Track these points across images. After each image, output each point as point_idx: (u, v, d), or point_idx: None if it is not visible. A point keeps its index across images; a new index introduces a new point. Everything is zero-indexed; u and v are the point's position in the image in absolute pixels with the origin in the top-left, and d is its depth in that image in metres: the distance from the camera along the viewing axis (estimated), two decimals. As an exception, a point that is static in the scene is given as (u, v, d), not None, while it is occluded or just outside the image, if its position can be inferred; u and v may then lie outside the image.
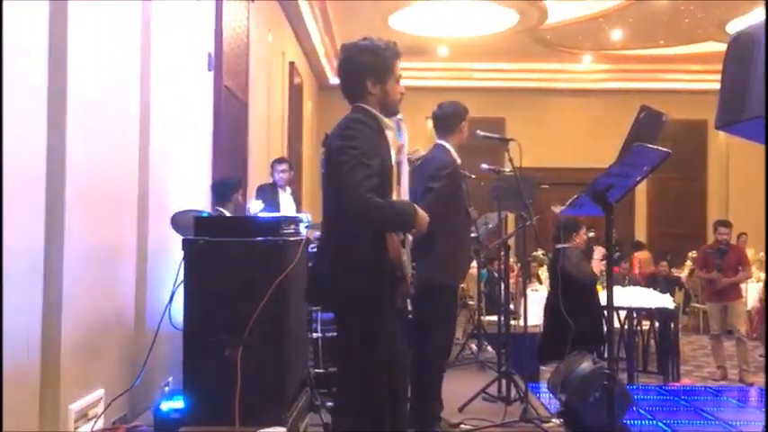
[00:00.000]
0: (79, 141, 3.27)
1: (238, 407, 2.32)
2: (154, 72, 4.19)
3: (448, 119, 3.68)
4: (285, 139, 9.17)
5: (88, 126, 3.40)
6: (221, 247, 2.46)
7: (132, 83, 4.04)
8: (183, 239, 2.50)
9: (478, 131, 3.95)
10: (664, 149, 2.46)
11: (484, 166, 4.35)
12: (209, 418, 2.42)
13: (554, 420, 3.97)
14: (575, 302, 5.00)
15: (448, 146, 3.66)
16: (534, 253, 10.30)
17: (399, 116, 2.77)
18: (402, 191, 2.56)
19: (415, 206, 2.46)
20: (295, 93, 9.78)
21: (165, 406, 3.00)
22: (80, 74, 3.28)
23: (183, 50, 4.88)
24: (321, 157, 2.50)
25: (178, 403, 2.81)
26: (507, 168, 3.97)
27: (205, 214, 3.86)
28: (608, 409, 2.54)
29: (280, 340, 2.45)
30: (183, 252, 2.49)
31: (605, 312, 5.88)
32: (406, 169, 2.62)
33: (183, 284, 2.49)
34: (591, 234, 5.57)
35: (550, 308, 5.35)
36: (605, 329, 6.05)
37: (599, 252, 5.13)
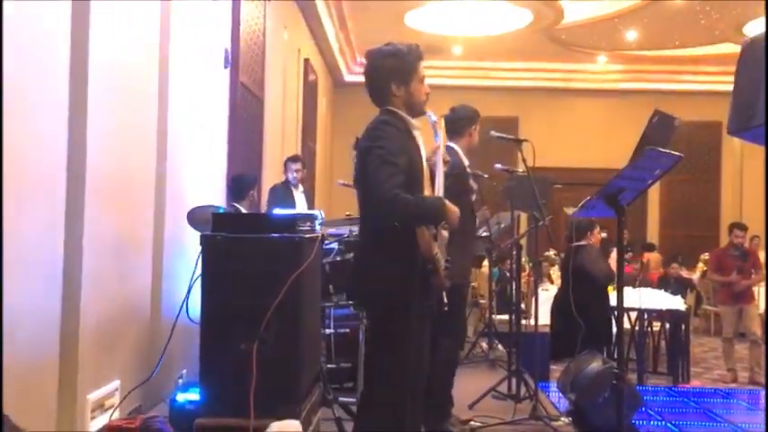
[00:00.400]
0: (99, 137, 3.34)
1: (253, 400, 2.37)
2: (172, 69, 4.26)
3: (458, 122, 3.73)
4: (299, 136, 9.23)
5: (107, 122, 3.46)
6: (239, 243, 2.51)
7: (151, 80, 4.10)
8: (202, 235, 2.56)
9: (492, 132, 3.98)
10: (676, 153, 2.49)
11: (497, 166, 4.38)
12: (224, 410, 2.47)
13: (563, 419, 4.00)
14: (586, 300, 5.03)
15: (456, 148, 3.72)
16: (546, 253, 10.32)
17: (435, 118, 2.88)
18: (437, 189, 2.64)
19: (445, 201, 2.53)
20: (310, 90, 9.83)
21: (181, 397, 3.06)
22: (100, 71, 3.34)
23: (201, 47, 4.95)
24: (354, 161, 2.59)
25: (193, 395, 2.87)
26: (520, 168, 3.98)
27: (221, 210, 3.92)
28: (617, 409, 2.56)
29: (294, 335, 2.50)
30: (200, 247, 2.54)
31: (615, 312, 5.93)
32: (441, 169, 2.70)
33: (200, 279, 2.54)
34: (604, 234, 5.60)
35: (560, 306, 5.37)
36: (614, 329, 6.09)
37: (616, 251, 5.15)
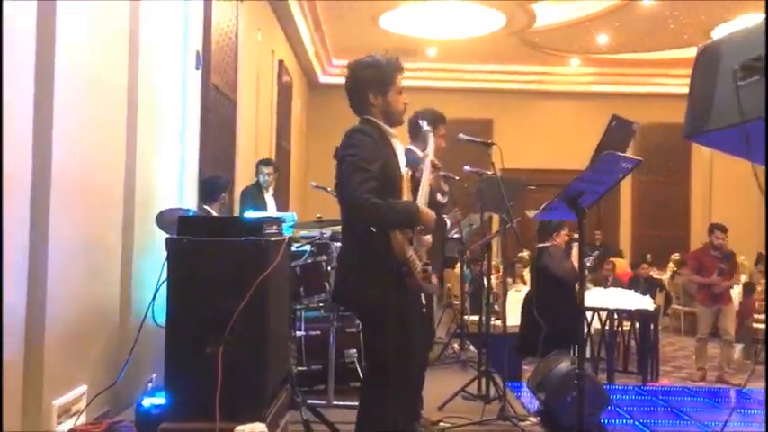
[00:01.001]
0: (65, 138, 3.31)
1: (218, 403, 2.37)
2: (141, 69, 4.23)
3: (411, 125, 3.74)
4: (273, 138, 9.21)
5: (74, 123, 3.43)
6: (204, 247, 2.51)
7: (120, 80, 4.07)
8: (167, 238, 2.56)
9: (460, 135, 4.01)
10: (635, 157, 2.54)
11: (467, 168, 4.42)
12: (190, 414, 2.47)
13: (531, 419, 4.04)
14: (553, 300, 5.09)
15: (416, 150, 3.69)
16: (520, 254, 10.40)
17: (427, 128, 2.96)
18: (420, 195, 2.71)
19: (419, 205, 2.62)
20: (284, 91, 9.81)
21: (147, 402, 3.05)
22: (66, 71, 3.32)
23: (171, 49, 4.93)
24: (336, 171, 2.67)
25: (160, 399, 2.86)
26: (490, 171, 4.02)
27: (191, 213, 3.91)
28: (578, 408, 2.60)
29: (260, 338, 2.51)
30: (166, 251, 2.53)
31: (582, 312, 6.00)
32: (426, 176, 2.79)
33: (166, 282, 2.54)
34: (575, 236, 5.65)
35: (528, 307, 5.43)
36: (581, 328, 6.16)
37: (577, 249, 5.21)
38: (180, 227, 2.55)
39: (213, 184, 4.69)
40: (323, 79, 12.61)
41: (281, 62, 9.42)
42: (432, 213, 2.65)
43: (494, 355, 5.03)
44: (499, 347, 5.55)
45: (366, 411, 2.54)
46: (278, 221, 2.93)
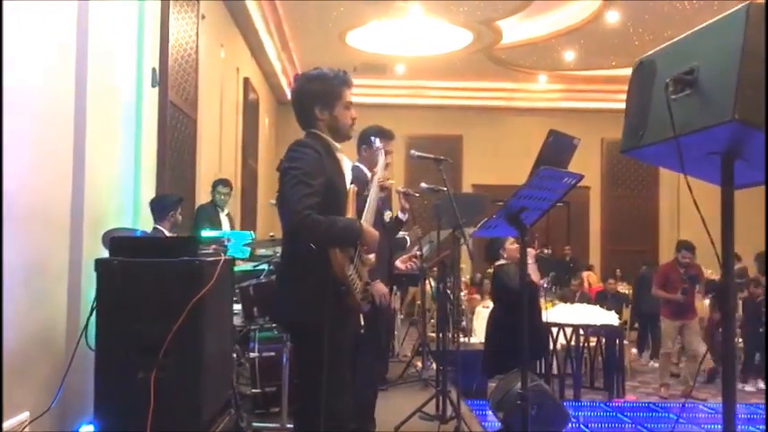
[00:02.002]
0: (4, 154, 3.21)
1: (151, 430, 2.28)
2: (90, 86, 4.15)
3: (360, 141, 3.69)
4: (239, 156, 9.12)
5: (16, 138, 3.34)
6: (135, 268, 2.43)
7: (66, 98, 3.99)
8: (96, 260, 2.47)
9: (412, 151, 3.99)
10: (575, 173, 2.51)
11: (423, 185, 4.38)
12: (122, 442, 2.38)
13: (487, 438, 3.98)
14: (515, 317, 5.01)
15: (362, 167, 3.63)
16: (489, 270, 10.39)
17: (379, 145, 2.91)
18: (366, 213, 2.65)
19: (361, 223, 2.53)
20: (250, 109, 9.75)
21: (84, 430, 2.94)
22: (10, 92, 3.23)
23: (124, 65, 4.84)
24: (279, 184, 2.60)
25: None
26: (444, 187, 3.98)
27: (139, 233, 3.81)
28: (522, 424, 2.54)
29: (195, 362, 2.42)
30: (95, 272, 2.44)
31: (545, 327, 5.97)
32: (373, 196, 2.73)
33: (95, 305, 2.45)
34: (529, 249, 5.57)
35: (492, 323, 5.38)
36: (546, 342, 6.14)
37: (530, 257, 5.15)
38: (111, 247, 2.46)
39: (161, 202, 4.60)
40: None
41: (246, 79, 9.36)
42: (375, 233, 2.57)
43: (463, 372, 4.99)
44: (469, 365, 5.51)
45: None
46: (218, 241, 2.85)
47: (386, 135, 3.76)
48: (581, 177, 2.51)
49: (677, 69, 1.94)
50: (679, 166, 1.95)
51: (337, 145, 2.70)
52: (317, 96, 2.63)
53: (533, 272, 5.09)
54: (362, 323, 2.69)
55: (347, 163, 2.81)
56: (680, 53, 1.99)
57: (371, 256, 2.65)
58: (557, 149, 2.65)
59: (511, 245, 5.15)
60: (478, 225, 2.67)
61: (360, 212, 2.64)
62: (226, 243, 2.91)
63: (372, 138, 3.23)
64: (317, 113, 2.63)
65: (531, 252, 5.28)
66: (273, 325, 4.17)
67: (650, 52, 2.18)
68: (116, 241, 2.49)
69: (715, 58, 1.82)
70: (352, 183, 2.73)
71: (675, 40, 2.05)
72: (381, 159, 3.01)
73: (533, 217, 2.55)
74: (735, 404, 1.93)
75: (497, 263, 5.02)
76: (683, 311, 6.98)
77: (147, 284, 2.43)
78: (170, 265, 2.42)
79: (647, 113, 2.05)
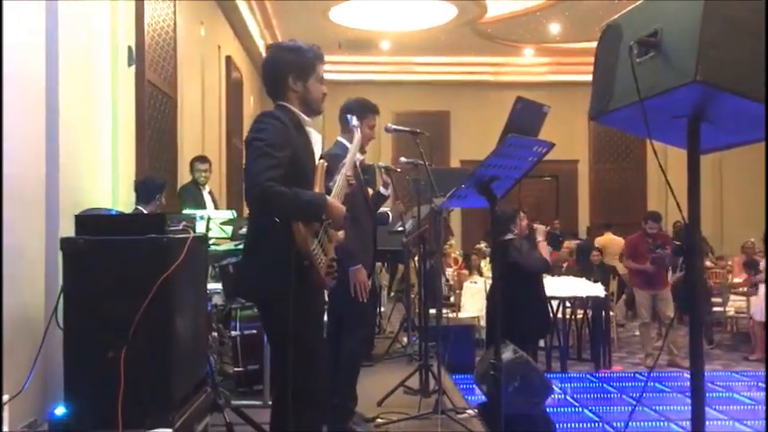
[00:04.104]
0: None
1: (121, 410, 2.26)
2: (63, 64, 4.08)
3: (341, 116, 3.62)
4: (223, 136, 9.04)
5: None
6: (101, 246, 2.39)
7: (36, 79, 3.92)
8: (62, 238, 2.43)
9: (388, 124, 3.95)
10: (545, 141, 2.48)
11: (402, 159, 4.35)
12: (93, 422, 2.36)
13: (469, 411, 3.99)
14: (522, 292, 4.99)
15: (345, 142, 3.58)
16: (477, 246, 10.39)
17: (355, 123, 2.86)
18: (335, 189, 2.59)
19: (326, 197, 2.48)
20: (234, 88, 9.64)
21: (60, 410, 2.92)
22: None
23: (97, 45, 4.77)
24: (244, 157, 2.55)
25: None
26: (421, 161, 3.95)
27: (113, 212, 3.77)
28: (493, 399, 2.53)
29: (165, 341, 2.40)
30: (60, 251, 2.41)
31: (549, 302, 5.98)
32: (344, 172, 2.69)
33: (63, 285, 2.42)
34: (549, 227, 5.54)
35: (494, 297, 5.36)
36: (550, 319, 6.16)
37: (541, 233, 5.13)
38: (77, 226, 2.43)
39: (148, 185, 4.56)
40: (277, 75, 12.43)
41: (228, 57, 9.25)
42: (341, 207, 2.53)
43: (452, 347, 5.00)
44: (457, 340, 5.51)
45: (273, 416, 2.43)
46: (188, 218, 2.81)
47: (370, 109, 3.72)
48: (552, 146, 2.47)
49: (642, 32, 1.91)
50: (644, 130, 1.93)
51: (307, 119, 2.64)
52: (291, 66, 2.59)
53: (544, 250, 5.07)
54: (326, 300, 2.62)
55: (316, 137, 2.75)
56: (644, 16, 1.96)
57: (340, 233, 2.61)
58: (526, 117, 2.61)
59: (522, 220, 5.13)
60: (447, 195, 2.64)
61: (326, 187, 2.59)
62: (196, 219, 2.87)
63: (348, 116, 3.17)
64: (290, 83, 2.58)
65: (541, 229, 5.25)
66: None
67: (616, 16, 2.15)
68: (81, 219, 2.45)
69: (677, 19, 1.79)
70: (321, 158, 2.68)
71: (640, 2, 2.01)
72: (357, 137, 2.97)
73: (505, 186, 2.52)
74: (702, 368, 1.93)
75: (505, 237, 4.95)
76: (653, 281, 7.02)
77: (113, 263, 2.39)
78: (136, 243, 2.39)
79: (614, 78, 2.02)
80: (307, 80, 2.60)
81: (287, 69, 2.59)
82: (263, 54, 11.32)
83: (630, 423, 4.72)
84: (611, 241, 10.06)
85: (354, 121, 3.03)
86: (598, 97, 2.12)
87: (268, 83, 2.66)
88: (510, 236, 5.07)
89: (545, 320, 5.60)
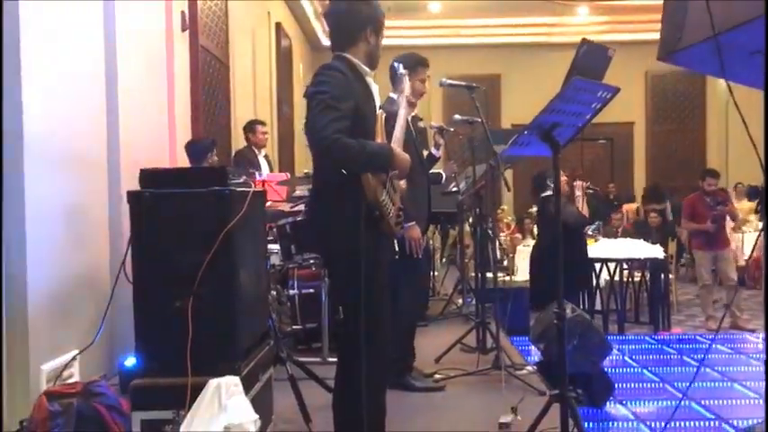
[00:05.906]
0: (37, 99, 3.25)
1: (190, 358, 2.32)
2: (120, 28, 4.15)
3: (392, 74, 3.58)
4: (274, 102, 9.09)
5: (46, 83, 3.37)
6: (166, 199, 2.43)
7: (95, 43, 4.00)
8: (128, 192, 2.48)
9: (443, 79, 3.89)
10: (610, 85, 2.40)
11: (456, 116, 4.29)
12: (162, 370, 2.42)
13: (528, 368, 3.97)
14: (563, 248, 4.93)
15: (395, 97, 3.54)
16: (530, 210, 10.26)
17: (403, 71, 2.83)
18: (395, 139, 2.58)
19: (392, 148, 2.46)
20: (284, 55, 9.66)
21: (129, 362, 3.02)
22: (34, 26, 3.24)
23: (153, 8, 4.82)
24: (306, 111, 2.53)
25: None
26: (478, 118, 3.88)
27: (174, 172, 3.82)
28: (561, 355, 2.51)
29: (230, 292, 2.44)
30: (128, 205, 2.47)
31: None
32: (401, 119, 2.68)
33: (130, 238, 2.48)
34: (585, 183, 5.47)
35: (535, 257, 5.33)
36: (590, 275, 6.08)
37: (579, 188, 5.07)
38: (142, 180, 2.47)
39: (197, 146, 4.65)
40: (326, 42, 12.39)
41: (278, 24, 9.25)
42: (406, 157, 2.50)
43: (505, 310, 4.97)
44: (512, 302, 5.48)
45: (340, 369, 2.45)
46: (249, 173, 2.84)
47: (419, 62, 3.68)
48: (617, 90, 2.39)
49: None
50: (718, 68, 1.84)
51: (368, 70, 2.60)
52: (369, 19, 2.56)
53: (581, 204, 5.00)
54: (397, 249, 2.65)
55: (375, 87, 2.72)
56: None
57: (402, 183, 2.60)
58: (590, 61, 2.53)
59: (565, 179, 5.07)
60: (509, 142, 2.59)
61: (388, 138, 2.57)
62: (255, 175, 2.90)
63: (396, 64, 3.11)
64: (366, 35, 2.55)
65: (579, 184, 5.19)
66: (312, 262, 4.19)
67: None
68: (145, 174, 2.49)
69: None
70: (380, 108, 2.65)
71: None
72: (406, 81, 2.92)
73: (567, 134, 2.46)
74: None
75: (544, 194, 4.92)
76: (714, 241, 6.81)
77: (178, 215, 2.43)
78: (199, 196, 2.42)
79: (686, 12, 1.94)
80: (379, 36, 2.59)
81: (366, 21, 2.56)
82: (313, 21, 11.29)
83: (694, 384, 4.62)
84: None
85: (401, 69, 2.98)
86: (668, 35, 2.03)
87: (340, 31, 2.59)
88: (549, 192, 5.05)
89: (585, 276, 5.54)
